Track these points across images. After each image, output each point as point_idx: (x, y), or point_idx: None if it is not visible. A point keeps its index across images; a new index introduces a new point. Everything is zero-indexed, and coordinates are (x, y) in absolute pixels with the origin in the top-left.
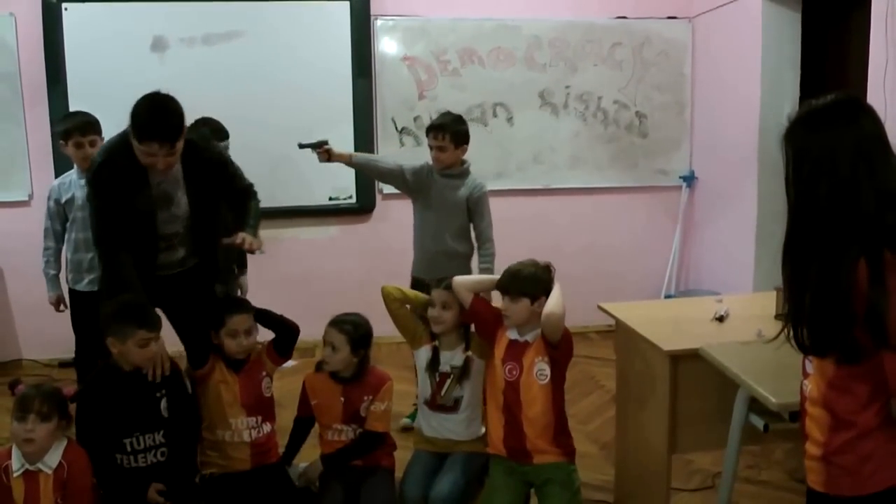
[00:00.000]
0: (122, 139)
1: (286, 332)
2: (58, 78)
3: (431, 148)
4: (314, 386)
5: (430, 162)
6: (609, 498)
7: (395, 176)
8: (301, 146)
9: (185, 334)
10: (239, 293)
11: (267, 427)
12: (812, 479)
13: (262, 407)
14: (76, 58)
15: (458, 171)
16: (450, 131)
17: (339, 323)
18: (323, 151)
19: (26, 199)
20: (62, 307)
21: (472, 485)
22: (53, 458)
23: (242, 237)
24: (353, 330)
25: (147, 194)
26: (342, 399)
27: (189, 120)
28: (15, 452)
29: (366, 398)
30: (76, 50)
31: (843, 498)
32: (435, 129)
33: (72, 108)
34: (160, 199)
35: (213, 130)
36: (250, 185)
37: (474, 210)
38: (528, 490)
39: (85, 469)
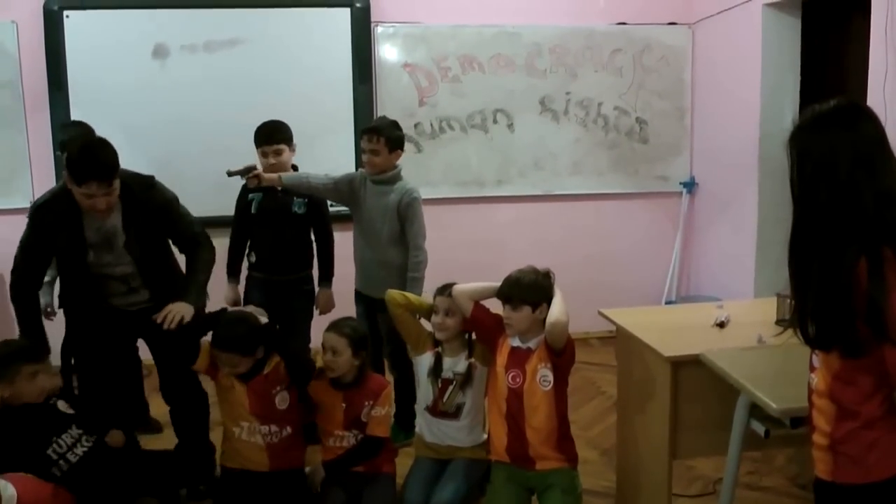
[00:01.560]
0: (62, 186)
1: (298, 371)
2: (59, 85)
3: (364, 151)
4: (315, 393)
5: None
6: (610, 503)
7: (328, 189)
8: (230, 174)
9: (162, 364)
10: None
11: (286, 431)
12: (820, 469)
13: (276, 417)
14: (78, 65)
15: (389, 176)
16: (384, 135)
17: (337, 327)
18: (252, 177)
19: (27, 205)
20: (50, 314)
21: (474, 491)
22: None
23: (164, 315)
24: (353, 332)
25: (78, 237)
26: (343, 405)
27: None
28: None
29: (366, 403)
30: (77, 57)
31: (849, 486)
32: (369, 132)
33: (73, 115)
34: (101, 243)
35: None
36: (200, 233)
37: (404, 216)
38: (530, 496)
39: (33, 492)
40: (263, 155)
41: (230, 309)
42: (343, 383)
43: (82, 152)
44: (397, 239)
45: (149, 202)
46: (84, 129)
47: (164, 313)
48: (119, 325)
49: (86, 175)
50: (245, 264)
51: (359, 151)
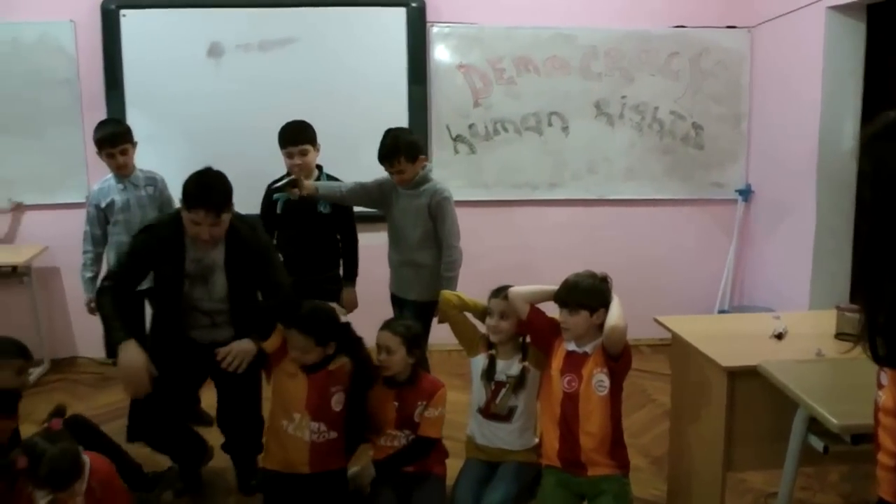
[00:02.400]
0: (176, 213)
1: (362, 373)
2: (115, 83)
3: (390, 174)
4: (368, 392)
5: None
6: None
7: (358, 195)
8: (273, 188)
9: (225, 397)
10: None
11: (332, 434)
12: (884, 490)
13: (328, 417)
14: (133, 63)
15: (418, 180)
16: (401, 155)
17: (391, 325)
18: (293, 189)
19: (83, 200)
20: (95, 310)
21: (524, 495)
22: (79, 485)
23: (226, 355)
24: (406, 330)
25: (178, 266)
26: (396, 404)
27: None
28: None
29: (419, 403)
30: (134, 56)
31: None
32: (385, 161)
33: (129, 114)
34: (197, 276)
35: None
36: (286, 284)
37: (436, 216)
38: (580, 502)
39: (111, 481)
40: (289, 156)
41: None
42: (397, 382)
43: (198, 179)
44: (429, 241)
45: (251, 243)
46: (114, 129)
47: (226, 353)
48: (193, 358)
49: (196, 202)
50: None
51: None
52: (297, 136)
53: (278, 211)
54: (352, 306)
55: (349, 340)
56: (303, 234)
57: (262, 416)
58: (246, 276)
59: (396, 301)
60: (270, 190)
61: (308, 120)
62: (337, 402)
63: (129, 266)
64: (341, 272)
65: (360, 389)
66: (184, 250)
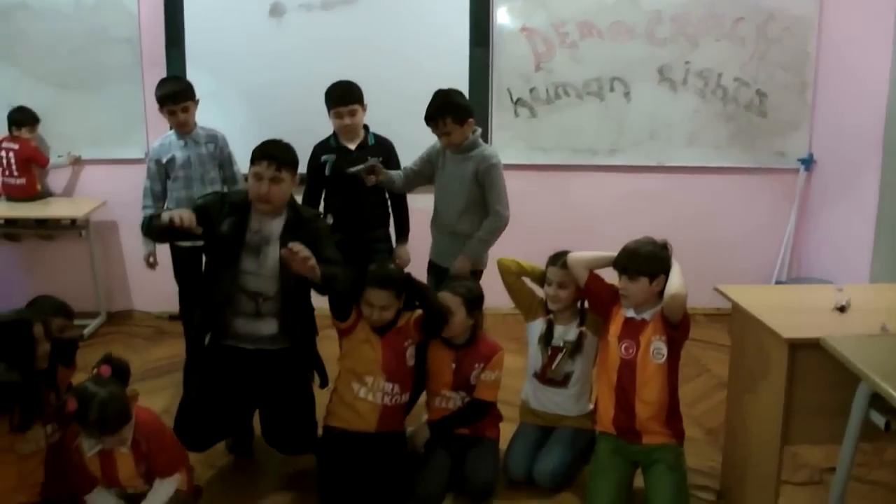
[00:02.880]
0: (246, 191)
1: (433, 317)
2: (176, 41)
3: (438, 136)
4: (429, 349)
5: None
6: (715, 484)
7: (413, 180)
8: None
9: (270, 410)
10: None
11: (403, 398)
12: None
13: (402, 374)
14: (194, 22)
15: (467, 144)
16: (448, 115)
17: (452, 286)
18: (370, 175)
19: (142, 156)
20: (153, 262)
21: (577, 461)
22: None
23: (295, 247)
24: (468, 292)
25: (238, 230)
26: (453, 365)
27: None
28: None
29: (477, 366)
30: (195, 14)
31: None
32: (431, 122)
33: (189, 72)
34: (251, 246)
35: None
36: (340, 261)
37: (483, 183)
38: (634, 470)
39: (160, 433)
40: (338, 116)
41: None
42: (455, 344)
43: (266, 140)
44: (474, 208)
45: (312, 221)
46: (176, 87)
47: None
48: (235, 366)
49: (259, 154)
50: None
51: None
52: (346, 96)
53: (326, 173)
54: (406, 262)
55: (416, 289)
56: (352, 195)
57: (316, 420)
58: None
59: (434, 269)
60: (317, 150)
61: (368, 81)
62: (410, 355)
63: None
64: (390, 231)
65: (434, 332)
66: (248, 219)
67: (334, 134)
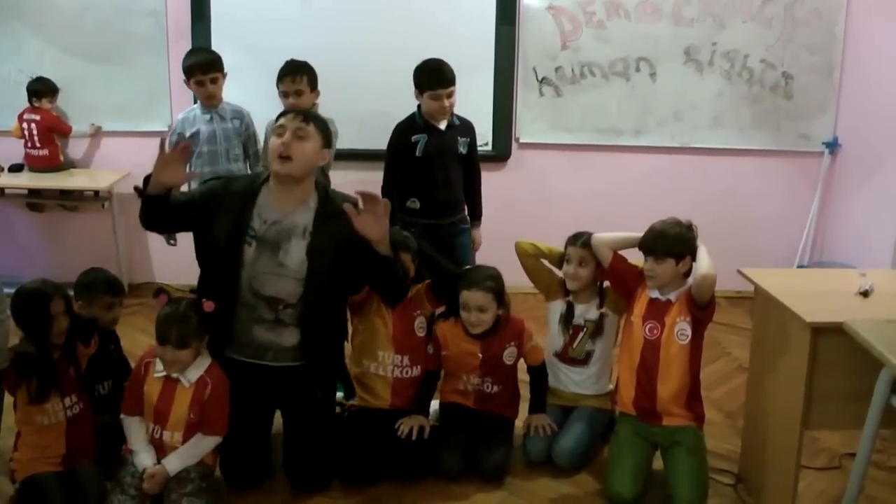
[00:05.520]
0: (258, 174)
1: (442, 279)
2: (202, 15)
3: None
4: (446, 339)
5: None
6: (733, 468)
7: None
8: (405, 128)
9: (294, 437)
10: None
11: (415, 371)
12: None
13: (412, 346)
14: None
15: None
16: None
17: (479, 283)
18: None
19: (166, 129)
20: (171, 239)
21: (596, 441)
22: (194, 373)
23: (364, 197)
24: (495, 283)
25: (239, 224)
26: (480, 356)
27: None
28: None
29: (507, 345)
30: None
31: None
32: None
33: (214, 46)
34: (267, 240)
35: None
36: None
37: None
38: (653, 451)
39: (224, 392)
40: (436, 98)
41: None
42: (481, 335)
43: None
44: None
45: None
46: (206, 57)
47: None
48: (254, 385)
49: (284, 70)
50: None
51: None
52: (446, 77)
53: (418, 153)
54: (479, 245)
55: (428, 256)
56: (444, 175)
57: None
58: (336, 251)
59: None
60: (402, 130)
61: (394, 58)
62: (420, 326)
63: (189, 199)
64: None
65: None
66: (252, 208)
67: (419, 113)
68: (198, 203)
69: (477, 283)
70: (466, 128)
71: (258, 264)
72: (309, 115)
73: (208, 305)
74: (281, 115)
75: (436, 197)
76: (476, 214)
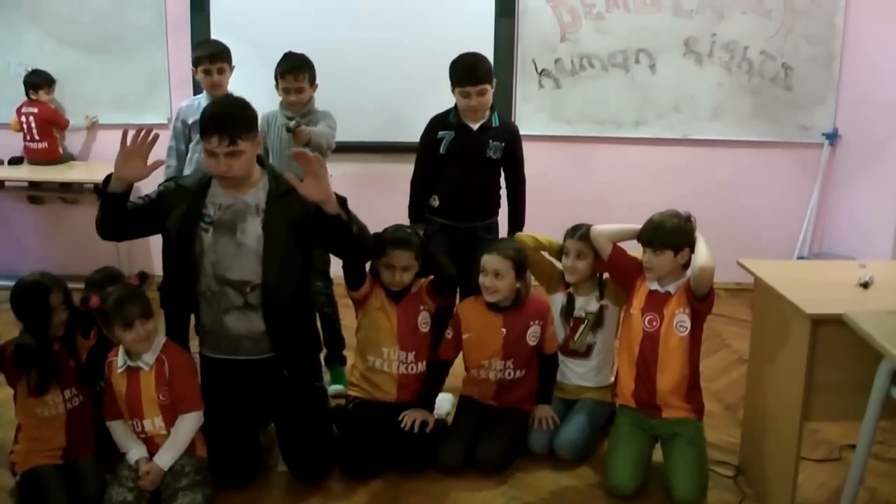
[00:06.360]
0: (204, 172)
1: (442, 277)
2: (201, 6)
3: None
4: (469, 316)
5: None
6: (733, 460)
7: None
8: (438, 122)
9: (287, 428)
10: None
11: (420, 367)
12: None
13: (417, 342)
14: None
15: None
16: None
17: (499, 249)
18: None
19: (165, 121)
20: None
21: (597, 433)
22: (150, 357)
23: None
24: (516, 254)
25: (191, 213)
26: (504, 330)
27: None
28: (120, 351)
29: (531, 324)
30: None
31: None
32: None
33: (213, 36)
34: (224, 223)
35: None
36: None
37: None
38: (653, 443)
39: (185, 366)
40: (465, 95)
41: None
42: (502, 307)
43: (214, 106)
44: None
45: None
46: (215, 47)
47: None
48: (235, 383)
49: (207, 127)
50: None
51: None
52: (475, 73)
53: (441, 150)
54: None
55: (426, 251)
56: (467, 177)
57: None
58: (295, 225)
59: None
60: (434, 125)
61: (393, 50)
62: (423, 321)
63: (144, 202)
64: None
65: (445, 292)
66: (205, 198)
67: (455, 108)
68: (153, 203)
69: (497, 249)
70: (506, 132)
71: (218, 248)
72: (234, 132)
73: (94, 301)
74: (205, 133)
75: (455, 198)
76: (516, 225)
